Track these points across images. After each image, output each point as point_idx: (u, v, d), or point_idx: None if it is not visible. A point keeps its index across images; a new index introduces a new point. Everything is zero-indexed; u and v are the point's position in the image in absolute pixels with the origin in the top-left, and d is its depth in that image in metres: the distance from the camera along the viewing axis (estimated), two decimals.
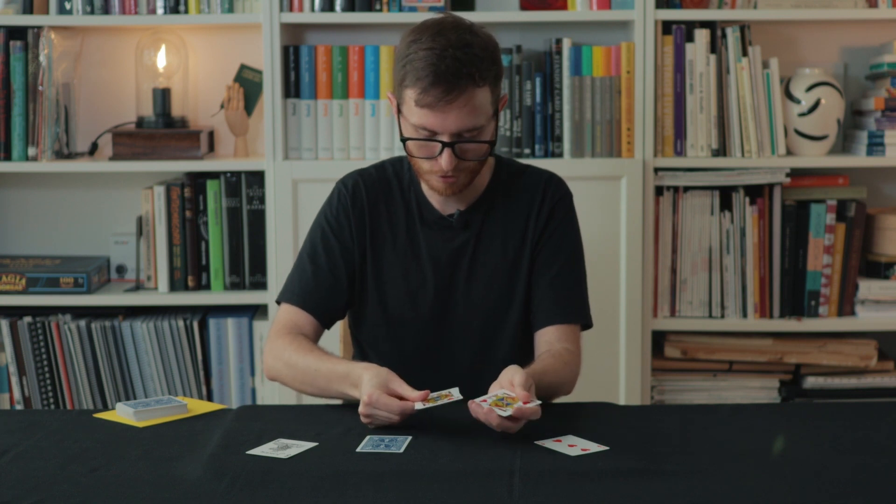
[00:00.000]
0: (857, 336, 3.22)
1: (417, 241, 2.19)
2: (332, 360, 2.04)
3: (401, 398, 1.86)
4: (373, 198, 2.20)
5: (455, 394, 1.87)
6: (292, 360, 2.08)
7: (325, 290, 2.18)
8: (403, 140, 2.08)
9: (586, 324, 2.22)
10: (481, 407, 1.81)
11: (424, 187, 2.19)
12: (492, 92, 2.06)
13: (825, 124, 3.16)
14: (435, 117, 2.01)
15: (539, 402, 1.83)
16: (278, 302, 2.22)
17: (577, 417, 1.94)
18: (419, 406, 1.84)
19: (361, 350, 2.27)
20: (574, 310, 2.20)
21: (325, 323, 2.20)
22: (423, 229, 2.19)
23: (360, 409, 1.87)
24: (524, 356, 2.17)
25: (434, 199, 2.19)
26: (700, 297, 3.17)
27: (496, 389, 1.87)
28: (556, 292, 2.18)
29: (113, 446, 1.82)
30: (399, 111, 2.08)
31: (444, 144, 2.03)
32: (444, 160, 2.03)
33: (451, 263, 2.18)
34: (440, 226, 2.19)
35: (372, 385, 1.87)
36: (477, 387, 1.99)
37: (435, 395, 1.87)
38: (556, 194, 2.22)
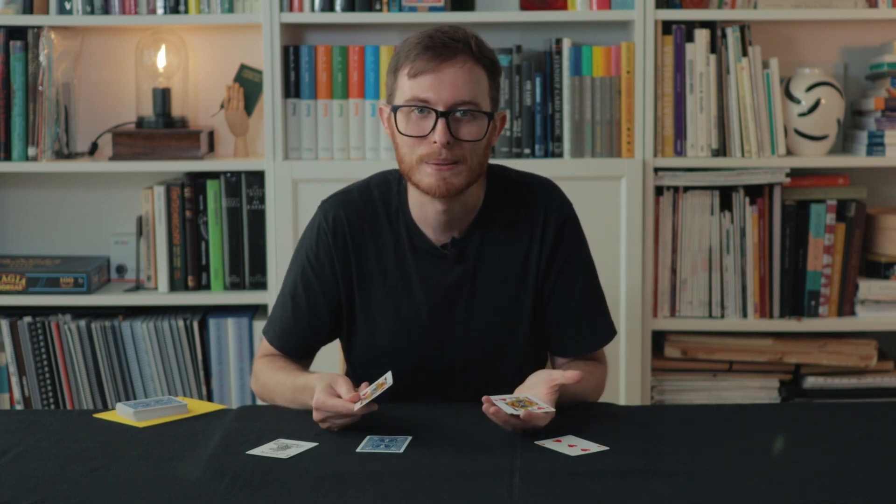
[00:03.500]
0: (857, 336, 3.21)
1: (409, 273, 2.07)
2: (296, 374, 2.04)
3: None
4: (356, 229, 2.08)
5: (389, 379, 1.84)
6: (267, 380, 2.09)
7: (304, 330, 2.13)
8: (395, 108, 1.94)
9: (610, 337, 2.15)
10: (491, 403, 1.80)
11: (415, 211, 2.06)
12: (490, 84, 1.96)
13: (825, 124, 3.16)
14: (429, 82, 1.91)
15: (552, 409, 1.82)
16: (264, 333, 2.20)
17: (577, 417, 1.93)
18: (357, 406, 1.81)
19: (355, 375, 2.19)
20: (599, 335, 2.13)
21: (308, 357, 2.18)
22: (414, 260, 2.06)
23: (313, 416, 1.87)
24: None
25: (425, 226, 2.06)
26: (700, 297, 3.16)
27: (522, 392, 1.87)
28: (581, 322, 2.11)
29: (113, 446, 1.82)
30: (393, 112, 1.97)
31: (438, 115, 1.91)
32: (439, 132, 1.90)
33: (447, 298, 2.07)
34: (434, 256, 2.06)
35: (318, 390, 1.86)
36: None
37: (371, 387, 1.84)
38: (560, 217, 2.09)
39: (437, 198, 1.98)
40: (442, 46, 1.92)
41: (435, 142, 1.92)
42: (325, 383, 1.87)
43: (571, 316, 2.11)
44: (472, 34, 1.97)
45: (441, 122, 1.91)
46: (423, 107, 1.93)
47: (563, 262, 2.08)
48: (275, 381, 2.06)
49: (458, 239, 2.06)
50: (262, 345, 2.19)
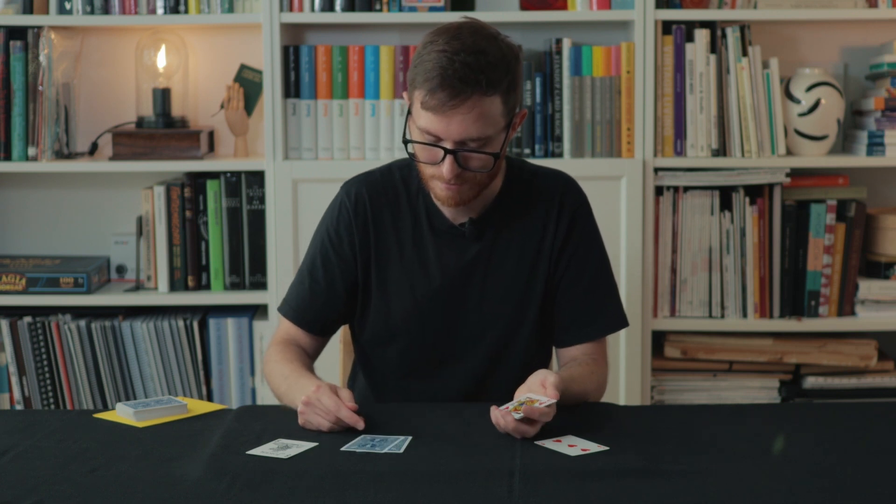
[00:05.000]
0: (857, 336, 3.21)
1: (426, 251, 2.12)
2: (298, 372, 2.05)
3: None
4: (377, 207, 2.14)
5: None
6: (271, 369, 2.11)
7: (320, 305, 2.16)
8: (406, 142, 2.02)
9: (619, 325, 2.18)
10: (500, 416, 1.81)
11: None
12: (504, 102, 1.97)
13: (825, 124, 3.16)
14: (439, 122, 1.94)
15: (552, 401, 1.82)
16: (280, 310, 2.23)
17: (577, 417, 1.93)
18: (353, 418, 1.83)
19: (364, 357, 2.24)
20: (602, 324, 2.15)
21: (324, 334, 2.20)
22: (432, 239, 2.12)
23: (301, 399, 1.88)
24: (536, 369, 2.14)
25: (444, 207, 2.11)
26: (700, 297, 3.16)
27: (522, 393, 1.87)
28: (586, 309, 2.14)
29: (113, 446, 1.82)
30: (410, 112, 2.02)
31: (447, 151, 1.96)
32: (446, 168, 1.96)
33: (463, 276, 2.12)
34: (451, 235, 2.12)
35: (322, 384, 1.90)
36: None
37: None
38: (574, 204, 2.15)
39: (450, 207, 2.06)
40: (452, 89, 1.92)
41: (443, 173, 1.98)
42: (329, 385, 1.90)
43: (575, 304, 2.13)
44: (489, 62, 1.94)
45: (449, 159, 1.97)
46: (433, 144, 1.97)
47: (574, 247, 2.13)
48: (278, 371, 2.08)
49: (476, 219, 2.12)
50: (279, 328, 2.20)
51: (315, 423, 1.87)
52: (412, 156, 2.05)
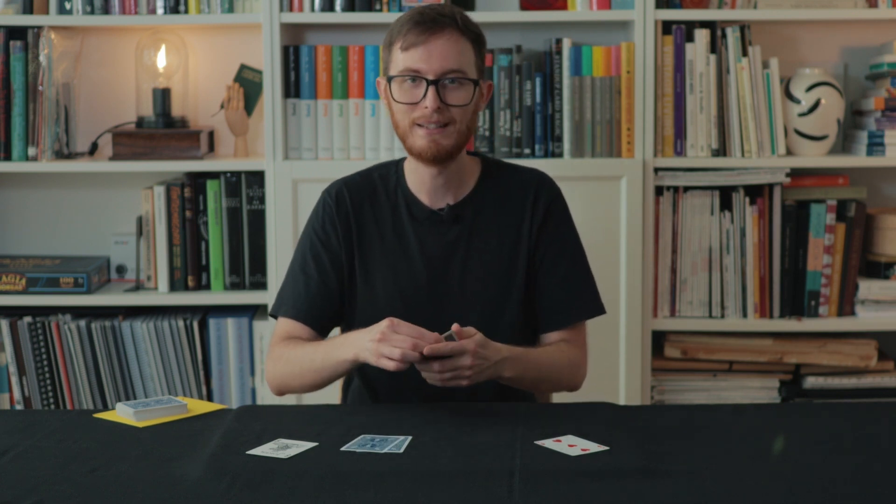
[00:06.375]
0: (857, 336, 3.22)
1: (407, 238, 2.18)
2: (324, 342, 2.13)
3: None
4: (357, 202, 2.21)
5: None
6: (289, 356, 2.12)
7: (317, 300, 2.19)
8: (389, 78, 2.09)
9: (597, 311, 2.24)
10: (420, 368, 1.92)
11: (411, 180, 2.19)
12: (476, 54, 2.12)
13: (825, 124, 3.16)
14: (420, 53, 2.06)
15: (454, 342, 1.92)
16: (274, 315, 2.23)
17: (577, 417, 1.94)
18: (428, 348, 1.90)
19: None
20: (579, 309, 2.21)
21: (322, 331, 2.21)
22: (412, 225, 2.18)
23: (377, 336, 1.92)
24: None
25: (423, 195, 2.19)
26: (700, 297, 3.16)
27: None
28: (563, 295, 2.19)
29: (113, 446, 1.82)
30: (388, 82, 2.11)
31: (429, 83, 2.06)
32: (429, 99, 2.06)
33: (443, 259, 2.17)
34: (431, 221, 2.18)
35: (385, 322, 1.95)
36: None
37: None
38: (549, 195, 2.23)
39: (429, 161, 2.12)
40: (431, 21, 2.09)
41: (426, 107, 2.08)
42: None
43: (553, 290, 2.19)
44: (459, 10, 2.14)
45: (431, 90, 2.08)
46: (415, 76, 2.09)
47: (552, 234, 2.20)
48: (302, 352, 2.10)
49: (454, 205, 2.19)
50: (275, 334, 2.21)
51: (392, 353, 1.90)
52: (395, 107, 2.11)
